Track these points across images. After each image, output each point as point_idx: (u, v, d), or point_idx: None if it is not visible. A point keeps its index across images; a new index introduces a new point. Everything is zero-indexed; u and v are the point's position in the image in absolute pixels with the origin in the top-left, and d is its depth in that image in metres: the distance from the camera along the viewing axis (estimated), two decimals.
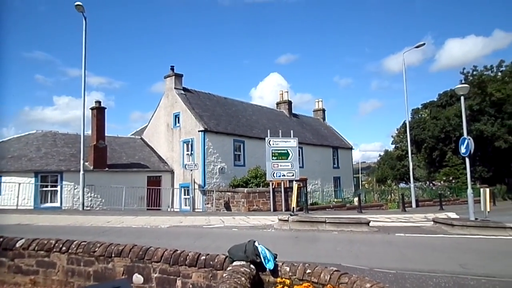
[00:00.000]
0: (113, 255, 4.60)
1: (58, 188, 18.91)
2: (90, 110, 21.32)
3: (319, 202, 24.10)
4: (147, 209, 20.31)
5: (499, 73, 34.56)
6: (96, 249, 4.69)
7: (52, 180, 18.94)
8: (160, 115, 25.41)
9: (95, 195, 19.63)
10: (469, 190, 13.20)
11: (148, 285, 4.46)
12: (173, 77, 24.47)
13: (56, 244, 4.84)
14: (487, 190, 12.37)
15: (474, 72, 34.87)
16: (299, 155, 21.54)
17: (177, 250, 4.55)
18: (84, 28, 18.11)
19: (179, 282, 4.36)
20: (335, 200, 25.89)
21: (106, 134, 22.27)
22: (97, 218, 13.49)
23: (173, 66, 24.61)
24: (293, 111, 34.73)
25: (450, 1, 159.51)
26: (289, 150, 18.76)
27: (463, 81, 33.14)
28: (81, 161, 17.64)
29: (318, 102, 39.82)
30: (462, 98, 13.53)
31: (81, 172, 17.53)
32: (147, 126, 26.95)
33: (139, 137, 26.68)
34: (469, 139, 12.71)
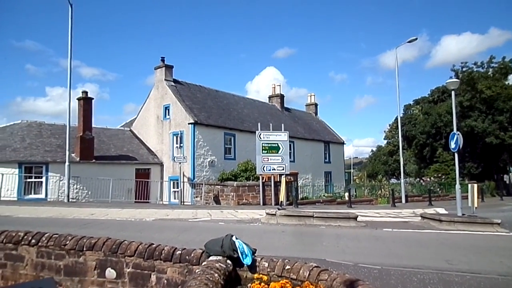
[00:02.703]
0: (84, 249, 4.38)
1: (43, 180, 18.50)
2: (77, 101, 20.87)
3: (310, 196, 24.03)
4: (135, 202, 20.04)
5: (490, 70, 34.64)
6: (67, 242, 4.46)
7: (37, 172, 18.53)
8: (150, 107, 25.03)
9: (82, 187, 19.28)
10: (457, 186, 13.16)
11: (121, 280, 4.26)
12: (163, 68, 24.07)
13: (25, 237, 4.60)
14: (475, 186, 12.33)
15: (464, 69, 34.90)
16: (290, 149, 21.41)
17: (152, 244, 4.35)
18: (70, 15, 17.62)
19: (153, 277, 4.16)
20: (326, 194, 25.84)
21: (95, 126, 21.96)
22: (81, 210, 13.21)
23: (163, 57, 24.23)
24: (288, 105, 34.54)
25: None
26: (279, 144, 18.58)
27: (453, 78, 33.14)
28: (67, 152, 17.28)
29: (310, 96, 39.63)
30: (453, 92, 13.44)
31: (67, 163, 17.16)
32: (136, 118, 26.54)
33: (128, 129, 26.28)
34: (458, 134, 12.65)
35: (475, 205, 11.71)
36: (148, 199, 21.19)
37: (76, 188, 19.01)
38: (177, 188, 21.47)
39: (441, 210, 16.26)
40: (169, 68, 24.42)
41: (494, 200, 26.40)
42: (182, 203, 20.04)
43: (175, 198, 21.90)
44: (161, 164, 23.51)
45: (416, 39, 22.53)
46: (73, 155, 19.07)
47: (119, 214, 12.54)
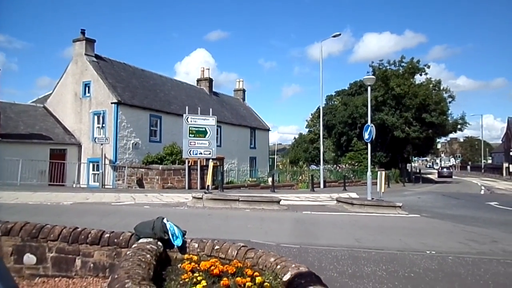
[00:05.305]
0: None
1: None
2: None
3: (235, 181, 24.52)
4: (49, 185, 18.57)
5: (401, 68, 38.20)
6: None
7: None
8: (67, 82, 23.08)
9: None
10: (369, 173, 14.57)
11: (42, 265, 4.09)
12: (84, 41, 22.28)
13: None
14: (383, 173, 13.80)
15: (380, 66, 38.03)
16: (217, 134, 21.50)
17: (77, 228, 4.23)
18: None
19: (78, 262, 4.07)
20: (250, 179, 26.60)
21: (0, 100, 19.68)
22: None
23: (84, 30, 22.41)
24: (217, 90, 34.44)
25: None
26: (207, 128, 18.62)
27: (370, 74, 35.94)
28: None
29: (239, 82, 39.95)
30: (369, 88, 14.72)
31: None
32: (51, 93, 24.32)
33: (42, 105, 24.00)
34: (372, 126, 13.95)
35: (382, 190, 13.13)
36: (64, 182, 19.76)
37: None
38: (97, 170, 20.37)
39: (354, 195, 17.88)
40: (90, 42, 22.69)
41: (398, 186, 29.69)
42: (103, 187, 19.11)
43: (95, 181, 20.77)
44: (79, 145, 22.00)
45: (340, 34, 24.06)
46: None
47: (32, 198, 11.60)
